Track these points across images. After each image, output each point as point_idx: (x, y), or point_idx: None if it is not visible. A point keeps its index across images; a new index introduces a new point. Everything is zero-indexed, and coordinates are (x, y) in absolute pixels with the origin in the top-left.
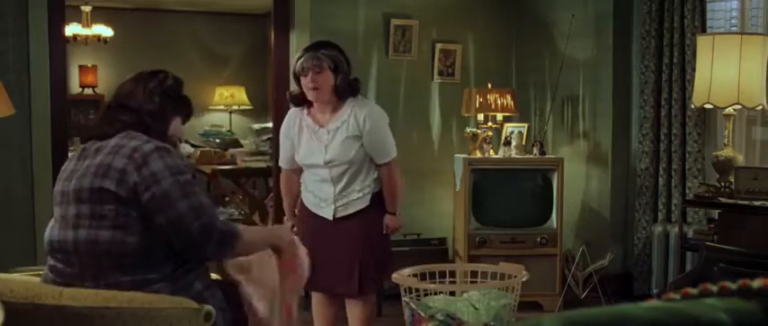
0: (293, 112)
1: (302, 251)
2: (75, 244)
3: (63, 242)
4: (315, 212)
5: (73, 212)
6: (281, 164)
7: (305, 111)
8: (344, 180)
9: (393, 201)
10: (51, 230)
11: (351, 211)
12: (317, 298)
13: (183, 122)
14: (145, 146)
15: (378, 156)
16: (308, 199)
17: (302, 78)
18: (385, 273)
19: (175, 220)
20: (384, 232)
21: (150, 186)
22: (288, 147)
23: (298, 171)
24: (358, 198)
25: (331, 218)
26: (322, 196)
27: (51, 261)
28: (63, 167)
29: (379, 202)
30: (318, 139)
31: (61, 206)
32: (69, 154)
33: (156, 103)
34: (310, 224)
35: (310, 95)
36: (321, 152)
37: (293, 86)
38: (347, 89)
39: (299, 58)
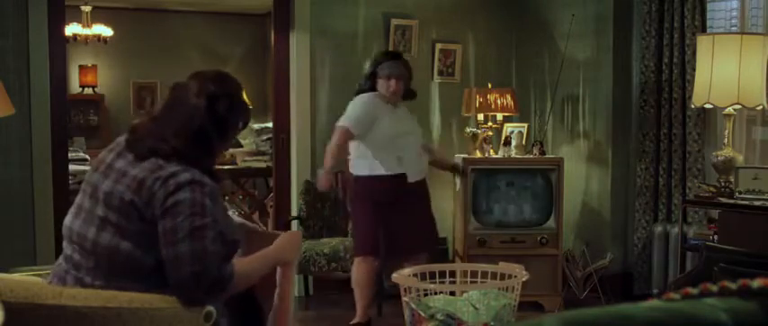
0: (372, 96)
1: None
2: (94, 244)
3: (83, 236)
4: (397, 172)
5: (101, 213)
6: (353, 129)
7: (378, 98)
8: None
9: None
10: (73, 218)
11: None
12: (370, 265)
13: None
14: (182, 175)
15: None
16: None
17: (384, 80)
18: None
19: (173, 258)
20: None
21: (165, 217)
22: (371, 120)
23: (353, 137)
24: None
25: (417, 179)
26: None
27: (68, 250)
28: (101, 156)
29: None
30: (399, 112)
31: (90, 200)
32: (69, 154)
33: (206, 143)
34: (389, 187)
35: (390, 95)
36: (406, 120)
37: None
38: (406, 94)
39: (380, 62)
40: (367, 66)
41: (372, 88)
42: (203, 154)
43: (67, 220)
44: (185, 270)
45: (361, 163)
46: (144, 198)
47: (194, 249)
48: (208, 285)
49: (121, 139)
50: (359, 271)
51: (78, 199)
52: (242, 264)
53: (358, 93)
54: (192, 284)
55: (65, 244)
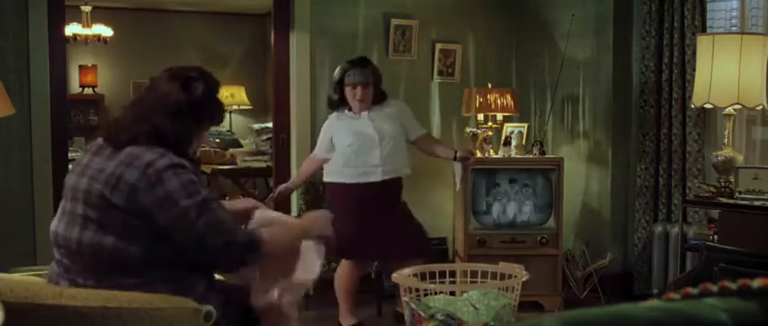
0: (335, 115)
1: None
2: (78, 244)
3: (67, 239)
4: (359, 181)
5: (80, 212)
6: (316, 153)
7: (345, 111)
8: (388, 147)
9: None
10: (58, 222)
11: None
12: (353, 266)
13: (216, 125)
14: (159, 162)
15: (416, 129)
16: (350, 172)
17: (350, 88)
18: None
19: (196, 241)
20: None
21: (167, 208)
22: (327, 140)
23: (322, 160)
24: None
25: (379, 179)
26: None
27: (57, 255)
28: (78, 159)
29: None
30: (362, 118)
31: (71, 202)
32: (69, 154)
33: (183, 122)
34: (356, 194)
35: (356, 105)
36: (369, 124)
37: (330, 92)
38: (378, 98)
39: (345, 70)
40: (336, 73)
41: (342, 96)
42: (181, 136)
43: (53, 225)
44: (214, 244)
45: (326, 169)
46: (124, 193)
47: (209, 221)
48: (241, 250)
49: (99, 140)
50: (340, 274)
51: (61, 204)
52: (271, 231)
53: (328, 103)
54: (226, 253)
55: (54, 250)
